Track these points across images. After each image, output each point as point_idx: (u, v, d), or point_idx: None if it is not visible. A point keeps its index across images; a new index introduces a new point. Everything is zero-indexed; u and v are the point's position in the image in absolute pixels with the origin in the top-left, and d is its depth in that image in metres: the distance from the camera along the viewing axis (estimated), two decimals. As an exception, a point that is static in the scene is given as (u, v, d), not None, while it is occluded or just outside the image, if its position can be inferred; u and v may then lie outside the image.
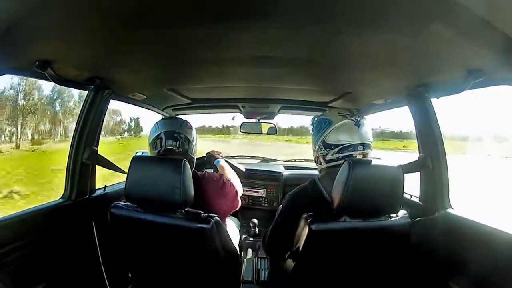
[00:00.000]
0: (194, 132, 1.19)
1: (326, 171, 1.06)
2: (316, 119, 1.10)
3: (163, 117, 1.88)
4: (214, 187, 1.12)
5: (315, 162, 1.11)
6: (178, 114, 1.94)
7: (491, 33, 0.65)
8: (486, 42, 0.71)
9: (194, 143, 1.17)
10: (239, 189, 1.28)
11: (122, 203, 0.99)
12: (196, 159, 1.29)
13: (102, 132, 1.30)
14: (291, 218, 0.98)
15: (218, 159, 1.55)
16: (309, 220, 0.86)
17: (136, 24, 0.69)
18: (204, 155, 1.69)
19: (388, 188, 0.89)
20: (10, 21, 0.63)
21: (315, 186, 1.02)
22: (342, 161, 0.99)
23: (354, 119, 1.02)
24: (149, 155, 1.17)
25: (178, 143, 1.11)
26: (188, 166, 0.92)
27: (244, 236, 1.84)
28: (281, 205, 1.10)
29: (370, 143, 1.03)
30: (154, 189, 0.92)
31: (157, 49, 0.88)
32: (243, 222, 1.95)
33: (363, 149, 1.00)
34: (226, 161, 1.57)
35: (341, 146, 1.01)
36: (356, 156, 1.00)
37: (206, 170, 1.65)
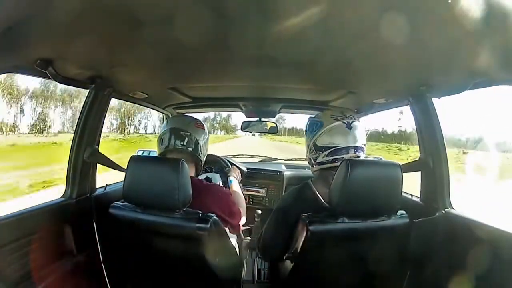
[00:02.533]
0: (204, 131, 1.15)
1: (318, 173, 1.04)
2: (309, 120, 1.08)
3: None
4: (216, 201, 1.08)
5: (308, 163, 1.09)
6: (179, 113, 1.94)
7: (492, 33, 0.65)
8: (487, 42, 0.71)
9: (202, 143, 1.13)
10: (243, 214, 1.25)
11: (121, 203, 0.98)
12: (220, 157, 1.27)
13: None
14: (284, 220, 0.98)
15: (231, 178, 1.53)
16: (307, 221, 0.85)
17: (137, 22, 0.69)
18: (229, 162, 1.80)
19: (386, 188, 0.88)
20: (11, 20, 0.63)
21: (309, 188, 1.01)
22: (332, 164, 0.98)
23: (346, 122, 0.98)
24: (156, 151, 1.16)
25: (184, 141, 1.08)
26: (186, 166, 0.91)
27: (244, 236, 1.84)
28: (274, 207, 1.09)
29: (363, 146, 0.99)
30: (152, 189, 0.91)
31: (158, 48, 0.88)
32: None
33: (355, 152, 0.97)
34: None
35: (332, 149, 0.98)
36: None
37: (213, 173, 1.67)
